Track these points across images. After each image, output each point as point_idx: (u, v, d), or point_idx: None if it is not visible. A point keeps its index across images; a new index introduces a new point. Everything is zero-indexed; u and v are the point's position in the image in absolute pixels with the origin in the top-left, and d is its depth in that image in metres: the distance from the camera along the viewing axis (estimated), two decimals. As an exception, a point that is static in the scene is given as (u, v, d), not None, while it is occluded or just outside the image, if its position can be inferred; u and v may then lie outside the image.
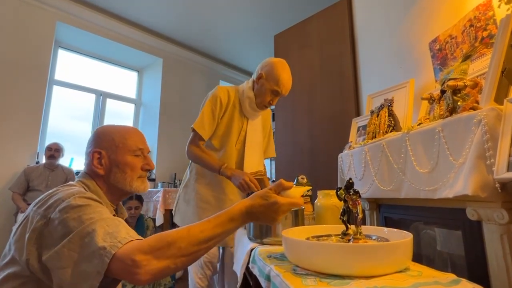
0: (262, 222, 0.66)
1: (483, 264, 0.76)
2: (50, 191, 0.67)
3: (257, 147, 1.50)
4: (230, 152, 1.41)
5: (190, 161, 1.48)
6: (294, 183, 1.29)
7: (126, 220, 0.76)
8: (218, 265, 1.47)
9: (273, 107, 1.64)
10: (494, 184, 0.64)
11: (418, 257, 1.12)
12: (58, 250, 0.56)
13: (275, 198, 0.63)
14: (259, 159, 1.50)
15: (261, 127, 1.55)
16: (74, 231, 0.57)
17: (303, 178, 1.28)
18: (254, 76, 1.43)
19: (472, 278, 0.79)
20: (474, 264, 0.80)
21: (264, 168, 1.55)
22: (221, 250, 1.48)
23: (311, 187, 1.17)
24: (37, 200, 0.66)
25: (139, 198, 2.49)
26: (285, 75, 1.34)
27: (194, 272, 1.40)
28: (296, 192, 0.68)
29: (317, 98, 2.28)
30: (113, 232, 0.57)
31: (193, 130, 1.35)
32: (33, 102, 3.08)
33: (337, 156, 1.47)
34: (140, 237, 0.60)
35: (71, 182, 0.74)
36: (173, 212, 1.49)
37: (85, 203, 0.62)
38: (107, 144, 0.78)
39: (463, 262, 0.86)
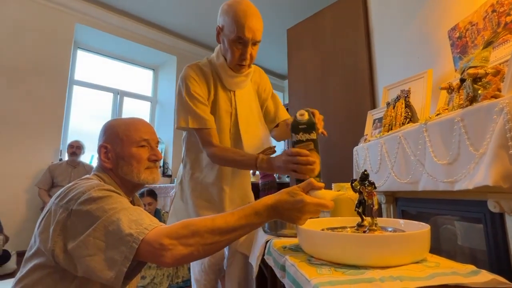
0: (287, 220, 0.63)
1: (506, 258, 0.74)
2: (69, 184, 0.69)
3: (253, 121, 1.20)
4: (224, 142, 1.14)
5: (183, 155, 1.25)
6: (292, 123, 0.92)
7: None
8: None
9: (279, 98, 1.29)
10: (517, 174, 0.61)
11: (437, 252, 1.09)
12: (83, 239, 0.59)
13: (302, 196, 0.60)
14: (260, 135, 1.21)
15: (254, 94, 1.24)
16: (98, 221, 0.59)
17: (302, 115, 0.90)
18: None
19: (494, 272, 0.77)
20: (496, 258, 0.78)
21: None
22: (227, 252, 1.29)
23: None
24: (57, 194, 0.68)
25: (152, 194, 2.51)
26: (241, 13, 1.00)
27: (196, 280, 1.21)
28: (327, 194, 0.63)
29: (331, 91, 2.25)
30: (137, 220, 0.60)
31: (195, 129, 1.09)
32: (55, 101, 3.21)
33: (352, 149, 1.45)
34: (163, 224, 0.62)
35: (87, 176, 0.76)
36: (169, 212, 1.28)
37: (105, 195, 0.64)
38: (112, 138, 0.79)
39: (484, 256, 0.84)
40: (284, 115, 1.29)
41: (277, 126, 1.29)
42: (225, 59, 1.11)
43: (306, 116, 0.89)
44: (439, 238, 1.12)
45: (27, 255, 0.68)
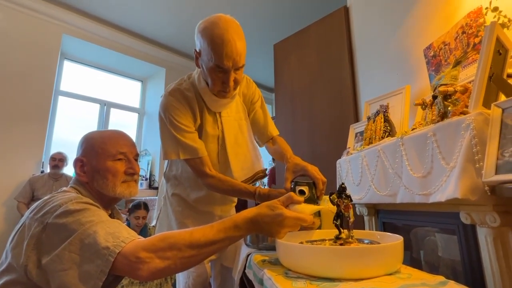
0: (266, 234, 0.63)
1: (479, 268, 0.76)
2: (46, 197, 0.68)
3: (242, 143, 1.14)
4: (212, 166, 1.07)
5: (166, 169, 1.19)
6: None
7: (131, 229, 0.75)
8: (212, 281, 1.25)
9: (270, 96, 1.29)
10: (483, 187, 0.64)
11: (419, 263, 1.12)
12: (58, 253, 0.57)
13: (281, 210, 0.61)
14: (250, 157, 1.15)
15: (242, 109, 1.17)
16: (74, 234, 0.58)
17: (303, 193, 0.83)
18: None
19: (469, 283, 0.79)
20: (470, 268, 0.80)
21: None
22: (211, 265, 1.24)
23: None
24: (32, 207, 0.66)
25: (147, 208, 2.49)
26: (217, 40, 0.89)
27: None
28: (306, 209, 0.64)
29: (316, 105, 2.30)
30: (115, 233, 0.59)
31: (186, 160, 1.02)
32: (39, 112, 3.14)
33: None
34: (140, 237, 0.61)
35: (64, 188, 0.75)
36: (155, 225, 1.24)
37: (83, 208, 0.63)
38: (87, 151, 0.78)
39: (460, 267, 0.86)
40: (274, 131, 1.23)
41: (271, 139, 1.23)
42: (207, 83, 1.01)
43: (307, 193, 0.84)
44: (419, 249, 1.14)
45: None
